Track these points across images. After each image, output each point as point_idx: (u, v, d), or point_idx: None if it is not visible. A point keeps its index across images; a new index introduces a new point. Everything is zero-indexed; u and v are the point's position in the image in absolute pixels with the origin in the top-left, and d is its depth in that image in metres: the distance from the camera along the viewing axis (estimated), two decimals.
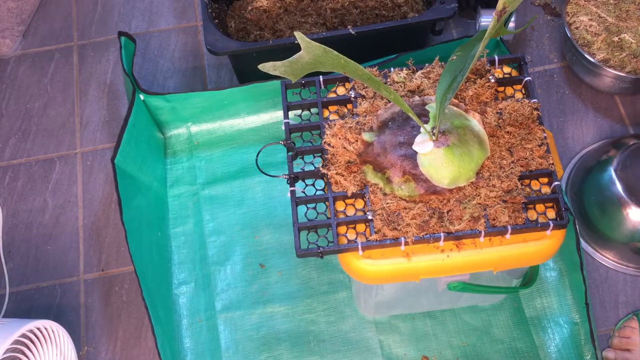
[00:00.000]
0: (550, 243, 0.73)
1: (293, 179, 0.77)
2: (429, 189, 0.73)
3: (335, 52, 0.63)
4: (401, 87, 0.81)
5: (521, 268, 0.85)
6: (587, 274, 0.92)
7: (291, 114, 0.82)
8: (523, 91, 0.81)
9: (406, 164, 0.73)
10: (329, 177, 0.76)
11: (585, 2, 1.13)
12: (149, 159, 1.10)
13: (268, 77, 0.75)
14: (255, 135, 1.18)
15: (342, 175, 0.76)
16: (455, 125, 0.75)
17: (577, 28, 1.11)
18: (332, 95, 0.82)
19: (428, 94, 0.80)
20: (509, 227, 0.71)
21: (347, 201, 0.76)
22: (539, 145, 0.76)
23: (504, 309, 1.01)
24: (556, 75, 1.20)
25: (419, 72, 0.82)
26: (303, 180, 0.79)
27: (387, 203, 0.73)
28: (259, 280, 1.06)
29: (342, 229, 0.74)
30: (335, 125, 0.78)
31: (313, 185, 0.78)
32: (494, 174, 0.74)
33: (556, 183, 0.74)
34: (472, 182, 0.74)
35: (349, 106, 0.81)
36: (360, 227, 0.74)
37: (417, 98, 0.79)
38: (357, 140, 0.77)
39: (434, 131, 0.73)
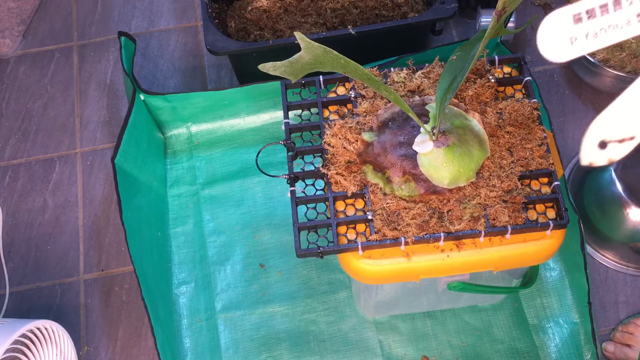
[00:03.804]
0: (550, 243, 0.73)
1: (293, 179, 0.77)
2: (429, 189, 0.73)
3: (335, 52, 0.63)
4: (401, 87, 0.81)
5: (521, 268, 0.85)
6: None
7: (291, 114, 0.82)
8: (523, 91, 0.81)
9: (406, 164, 0.73)
10: (329, 177, 0.76)
11: None
12: (149, 159, 1.10)
13: (268, 77, 0.75)
14: (255, 135, 1.18)
15: (342, 175, 0.76)
16: (455, 125, 0.75)
17: None
18: (332, 95, 0.82)
19: (428, 94, 0.80)
20: (509, 227, 0.71)
21: (347, 201, 0.76)
22: (539, 145, 0.76)
23: (504, 309, 1.01)
24: (556, 75, 1.20)
25: (419, 72, 0.82)
26: (303, 180, 0.79)
27: (387, 203, 0.73)
28: (259, 280, 1.06)
29: (342, 229, 0.74)
30: (335, 125, 0.78)
31: (313, 185, 0.78)
32: (494, 174, 0.74)
33: (556, 183, 0.74)
34: (472, 182, 0.74)
35: (349, 106, 0.81)
36: (360, 227, 0.74)
37: (417, 98, 0.79)
38: (357, 140, 0.77)
39: (434, 131, 0.73)
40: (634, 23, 0.38)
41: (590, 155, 0.42)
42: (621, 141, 0.41)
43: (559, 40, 0.40)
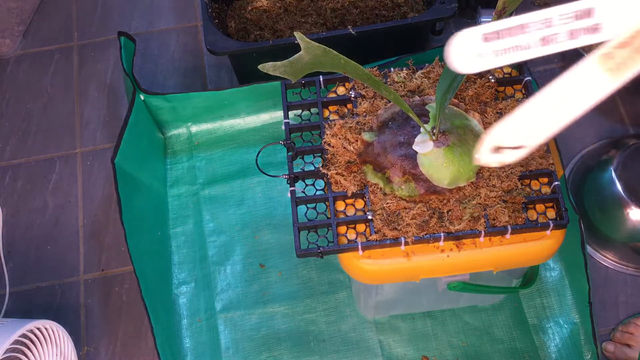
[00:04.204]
0: (550, 243, 0.73)
1: (293, 179, 0.77)
2: (429, 188, 0.73)
3: (335, 52, 0.63)
4: (401, 87, 0.81)
5: (521, 268, 0.85)
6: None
7: (291, 114, 0.82)
8: (523, 91, 0.81)
9: (406, 164, 0.73)
10: (329, 177, 0.76)
11: None
12: (149, 159, 1.10)
13: (268, 77, 0.74)
14: (255, 135, 1.18)
15: (342, 175, 0.76)
16: (455, 125, 0.75)
17: None
18: (332, 95, 0.82)
19: (428, 94, 0.80)
20: (509, 227, 0.71)
21: (347, 201, 0.76)
22: (539, 145, 0.76)
23: (504, 309, 1.01)
24: (556, 75, 1.19)
25: (419, 72, 0.82)
26: (303, 180, 0.79)
27: (387, 203, 0.73)
28: (259, 280, 1.06)
29: (342, 229, 0.74)
30: (335, 125, 0.78)
31: (313, 185, 0.78)
32: (494, 174, 0.74)
33: (556, 183, 0.74)
34: (472, 182, 0.74)
35: (349, 106, 0.81)
36: (360, 227, 0.74)
37: (417, 98, 0.79)
38: (357, 140, 0.77)
39: (434, 131, 0.73)
40: (534, 47, 0.45)
41: (484, 157, 0.47)
42: (515, 148, 0.46)
43: (468, 53, 0.46)
